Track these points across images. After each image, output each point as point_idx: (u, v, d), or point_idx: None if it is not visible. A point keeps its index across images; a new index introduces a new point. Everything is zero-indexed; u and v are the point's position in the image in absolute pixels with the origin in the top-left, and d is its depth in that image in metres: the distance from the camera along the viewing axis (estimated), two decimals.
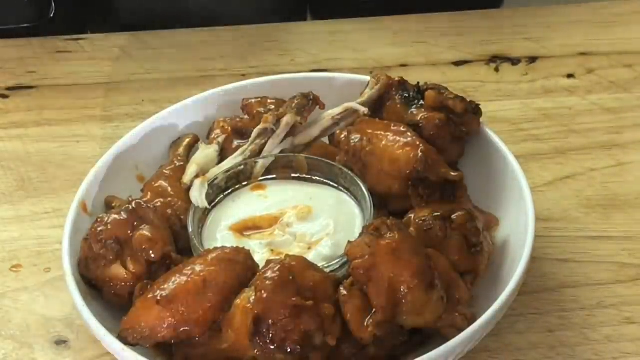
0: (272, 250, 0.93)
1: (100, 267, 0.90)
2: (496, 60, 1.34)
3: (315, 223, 0.95)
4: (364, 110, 1.03)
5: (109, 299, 0.91)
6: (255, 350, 0.81)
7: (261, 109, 1.06)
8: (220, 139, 1.05)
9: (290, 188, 1.01)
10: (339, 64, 1.34)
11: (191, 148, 1.07)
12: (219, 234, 0.96)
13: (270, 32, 1.42)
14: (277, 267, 0.83)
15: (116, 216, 0.92)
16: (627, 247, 1.03)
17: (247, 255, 0.88)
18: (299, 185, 1.01)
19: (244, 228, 0.96)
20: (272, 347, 0.80)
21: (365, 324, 0.82)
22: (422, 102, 1.02)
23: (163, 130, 1.09)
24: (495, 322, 0.87)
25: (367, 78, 1.08)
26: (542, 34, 1.38)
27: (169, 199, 0.98)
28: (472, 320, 0.85)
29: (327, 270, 0.88)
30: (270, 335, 0.80)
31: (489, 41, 1.37)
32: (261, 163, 1.01)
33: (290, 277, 0.82)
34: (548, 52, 1.35)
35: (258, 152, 1.02)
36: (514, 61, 1.33)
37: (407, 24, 1.42)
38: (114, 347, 0.85)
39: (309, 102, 1.03)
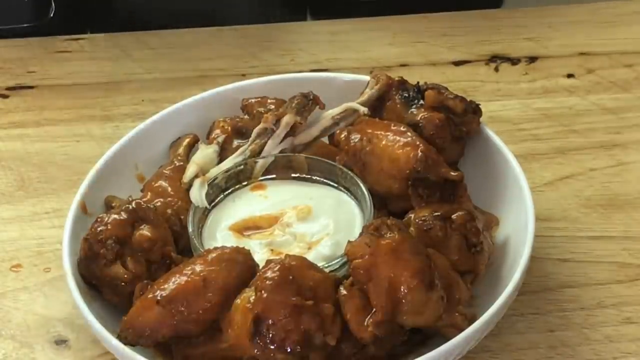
0: (272, 250, 0.93)
1: (100, 267, 0.90)
2: (496, 60, 1.34)
3: (315, 223, 0.95)
4: (363, 110, 1.03)
5: (109, 298, 0.91)
6: (255, 350, 0.81)
7: (261, 109, 1.06)
8: (220, 139, 1.05)
9: (290, 188, 1.00)
10: (339, 64, 1.34)
11: (191, 148, 1.07)
12: (219, 233, 0.96)
13: (270, 32, 1.42)
14: (277, 267, 0.83)
15: (116, 216, 0.91)
16: (627, 247, 1.03)
17: (247, 255, 0.88)
18: (298, 185, 1.01)
19: (244, 228, 0.96)
20: (272, 347, 0.80)
21: (365, 323, 0.82)
22: (422, 102, 1.02)
23: (163, 130, 1.09)
24: (495, 322, 0.87)
25: (367, 78, 1.08)
26: (542, 34, 1.38)
27: (169, 198, 0.98)
28: (472, 320, 0.85)
29: (327, 270, 0.88)
30: (271, 335, 0.80)
31: (488, 41, 1.37)
32: (261, 163, 1.01)
33: (290, 277, 0.82)
34: (548, 51, 1.35)
35: (258, 152, 1.02)
36: (514, 61, 1.33)
37: (407, 23, 1.42)
38: (113, 347, 0.85)
39: (309, 102, 1.03)
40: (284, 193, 0.99)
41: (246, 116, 1.08)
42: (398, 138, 0.96)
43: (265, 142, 1.02)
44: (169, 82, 1.32)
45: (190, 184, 0.99)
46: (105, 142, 1.18)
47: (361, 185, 0.97)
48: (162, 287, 0.85)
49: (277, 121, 1.02)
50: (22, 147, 1.22)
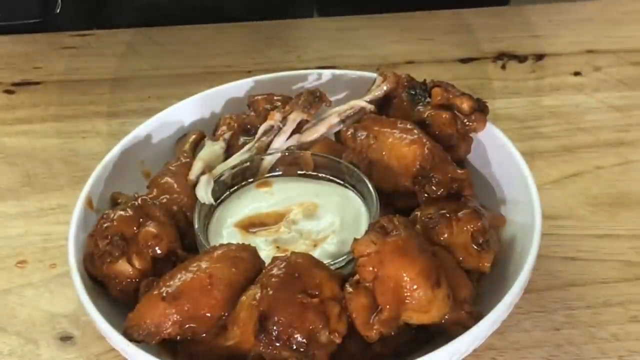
0: (277, 247, 0.93)
1: (105, 264, 0.90)
2: (503, 57, 1.34)
3: (321, 220, 0.95)
4: (370, 107, 1.03)
5: (115, 295, 0.91)
6: (261, 348, 0.81)
7: (267, 106, 1.06)
8: (227, 136, 1.05)
9: (296, 185, 1.00)
10: (345, 61, 1.34)
11: (197, 144, 1.07)
12: (225, 230, 0.96)
13: (277, 29, 1.42)
14: (283, 265, 0.83)
15: (122, 212, 0.91)
16: (633, 245, 1.03)
17: (253, 252, 0.88)
18: (305, 182, 1.01)
19: (250, 225, 0.96)
20: (277, 344, 0.80)
21: (371, 321, 0.82)
22: (428, 99, 1.02)
23: (169, 126, 1.09)
24: (501, 320, 0.86)
25: (374, 75, 1.08)
26: (549, 32, 1.38)
27: (175, 195, 0.98)
28: (478, 318, 0.84)
29: (333, 267, 0.88)
30: (276, 332, 0.80)
31: (495, 38, 1.37)
32: (267, 160, 1.01)
33: (296, 275, 0.82)
34: (555, 49, 1.35)
35: (264, 149, 1.02)
36: (521, 58, 1.33)
37: (414, 21, 1.42)
38: (119, 344, 0.85)
39: (316, 99, 1.03)
40: (290, 190, 0.99)
41: (252, 113, 1.08)
42: (404, 135, 0.96)
43: (272, 139, 1.02)
44: (175, 78, 1.32)
45: (196, 181, 0.99)
46: (112, 139, 1.19)
47: (367, 182, 0.96)
48: (168, 283, 0.85)
49: (284, 118, 1.02)
50: (28, 143, 1.22)
